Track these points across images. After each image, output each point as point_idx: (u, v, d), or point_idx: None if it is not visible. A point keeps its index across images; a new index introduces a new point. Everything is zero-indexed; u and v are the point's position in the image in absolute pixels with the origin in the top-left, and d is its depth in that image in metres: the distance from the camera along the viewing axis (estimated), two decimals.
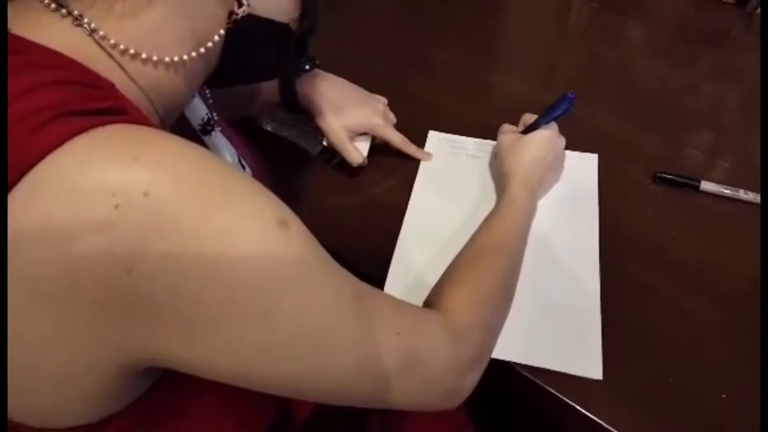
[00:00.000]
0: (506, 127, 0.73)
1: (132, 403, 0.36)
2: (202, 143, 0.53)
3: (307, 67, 0.70)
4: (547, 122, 0.67)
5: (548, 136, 0.67)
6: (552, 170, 0.69)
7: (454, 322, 0.49)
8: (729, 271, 0.63)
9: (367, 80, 0.77)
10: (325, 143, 0.74)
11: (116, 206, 0.29)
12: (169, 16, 0.39)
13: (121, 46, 0.37)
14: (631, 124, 0.82)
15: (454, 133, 0.80)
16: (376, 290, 0.43)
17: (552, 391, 0.54)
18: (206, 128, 0.53)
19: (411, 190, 0.72)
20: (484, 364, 0.51)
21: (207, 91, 0.55)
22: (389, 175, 0.75)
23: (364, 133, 0.75)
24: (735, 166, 0.75)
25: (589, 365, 0.55)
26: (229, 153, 0.55)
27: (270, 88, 0.71)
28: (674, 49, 1.00)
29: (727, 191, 0.69)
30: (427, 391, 0.45)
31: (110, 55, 0.37)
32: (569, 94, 0.63)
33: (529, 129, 0.68)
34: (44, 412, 0.34)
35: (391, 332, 0.41)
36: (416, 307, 0.49)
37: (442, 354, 0.45)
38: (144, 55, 0.38)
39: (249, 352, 0.34)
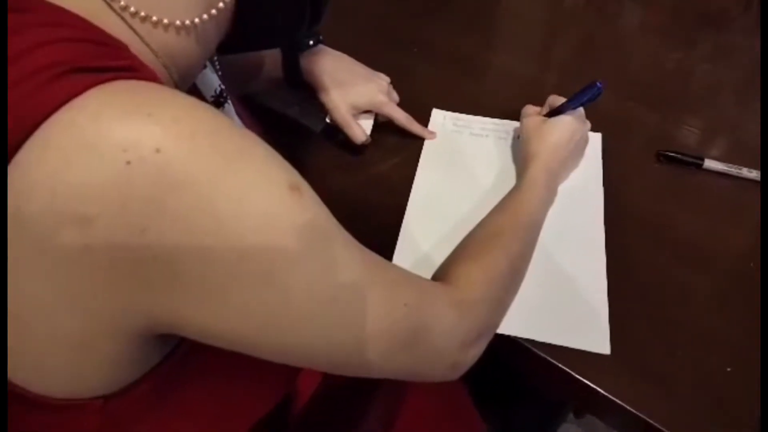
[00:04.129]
0: (530, 109, 0.72)
1: (145, 374, 0.36)
2: None
3: (311, 42, 0.68)
4: (574, 108, 0.67)
5: (573, 121, 0.66)
6: (574, 155, 0.69)
7: (461, 296, 0.49)
8: (733, 247, 0.64)
9: (368, 59, 0.76)
10: (328, 120, 0.73)
11: (128, 162, 0.28)
12: None
13: (132, 8, 0.36)
14: (631, 104, 0.82)
15: (456, 111, 0.80)
16: (385, 260, 0.43)
17: (560, 365, 0.54)
18: (219, 100, 0.52)
19: (415, 169, 0.72)
20: (487, 340, 0.52)
21: (217, 64, 0.54)
22: (393, 154, 0.75)
23: (368, 111, 0.74)
24: (734, 145, 0.76)
25: (597, 340, 0.55)
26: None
27: (273, 63, 0.69)
28: (672, 29, 1.00)
29: (730, 169, 0.70)
30: (429, 363, 0.46)
31: (122, 18, 0.36)
32: (597, 83, 0.62)
33: (555, 113, 0.68)
34: (60, 379, 0.33)
35: (399, 303, 0.41)
36: (424, 279, 0.49)
37: (447, 326, 0.46)
38: (155, 18, 0.37)
39: (259, 316, 0.34)
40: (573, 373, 0.54)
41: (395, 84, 0.77)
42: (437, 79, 0.87)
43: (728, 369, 0.54)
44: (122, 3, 0.36)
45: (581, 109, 0.68)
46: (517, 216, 0.59)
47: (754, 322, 0.57)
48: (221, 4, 0.41)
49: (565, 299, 0.59)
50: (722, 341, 0.56)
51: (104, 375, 0.34)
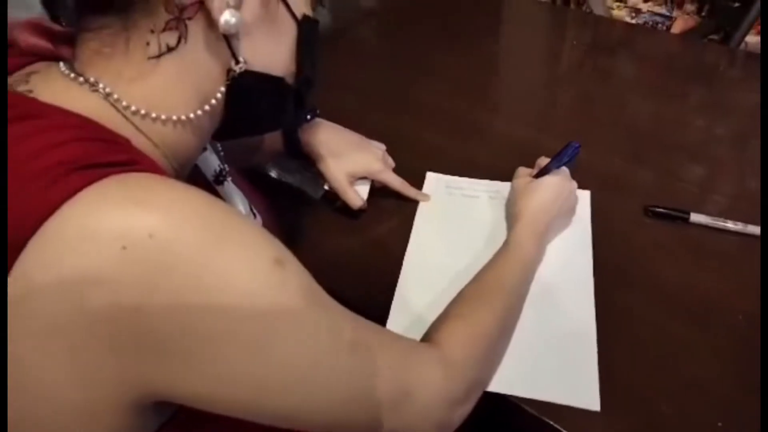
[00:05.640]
0: (522, 171, 0.75)
1: None
2: (216, 193, 0.57)
3: (309, 117, 0.73)
4: (557, 167, 0.69)
5: (557, 181, 0.69)
6: (562, 214, 0.70)
7: (448, 356, 0.51)
8: (721, 300, 0.64)
9: (364, 127, 0.81)
10: (326, 188, 0.78)
11: (123, 247, 0.32)
12: (173, 78, 0.43)
13: (133, 108, 0.41)
14: (623, 161, 0.84)
15: (451, 174, 0.83)
16: (370, 324, 0.46)
17: (551, 422, 0.55)
18: (219, 179, 0.57)
19: (410, 230, 0.75)
20: (476, 398, 0.53)
21: (218, 144, 0.59)
22: (389, 217, 0.78)
23: (364, 177, 0.78)
24: (726, 199, 0.77)
25: (587, 396, 0.56)
26: (241, 201, 0.59)
27: (274, 136, 0.74)
28: (664, 85, 1.03)
29: (716, 222, 0.71)
30: (417, 423, 0.47)
31: (125, 116, 0.41)
32: (573, 144, 0.65)
33: (541, 173, 0.71)
34: None
35: (384, 366, 0.43)
36: (411, 340, 0.51)
37: (434, 387, 0.47)
38: (154, 115, 0.42)
39: (246, 384, 0.37)
40: (563, 430, 0.55)
41: (391, 149, 0.81)
42: (432, 143, 0.90)
43: (719, 424, 0.54)
44: (124, 103, 0.41)
45: (565, 169, 0.71)
46: (503, 275, 0.61)
47: (744, 375, 0.57)
48: (213, 101, 0.46)
49: (555, 356, 0.60)
50: (712, 395, 0.56)
51: None
